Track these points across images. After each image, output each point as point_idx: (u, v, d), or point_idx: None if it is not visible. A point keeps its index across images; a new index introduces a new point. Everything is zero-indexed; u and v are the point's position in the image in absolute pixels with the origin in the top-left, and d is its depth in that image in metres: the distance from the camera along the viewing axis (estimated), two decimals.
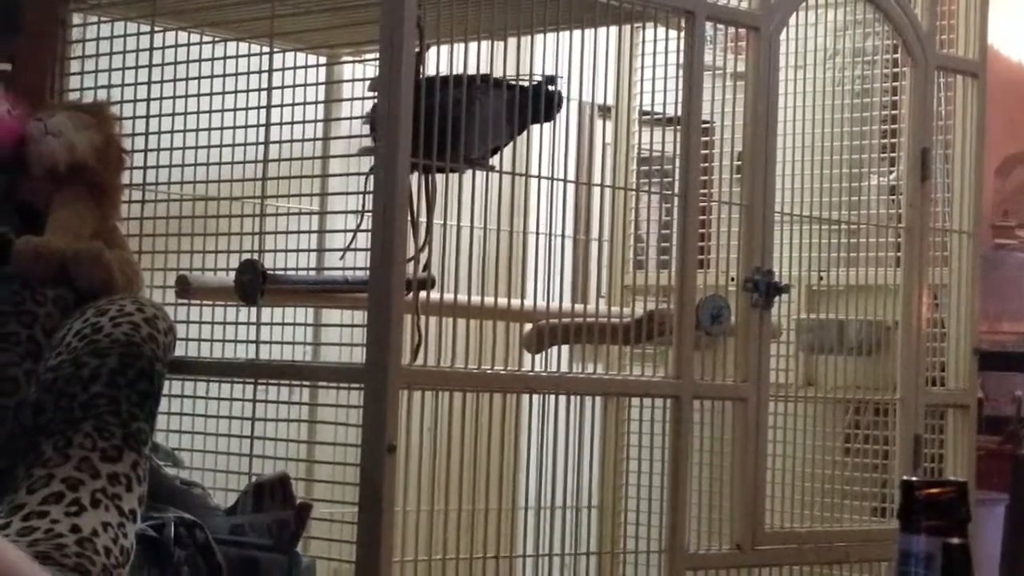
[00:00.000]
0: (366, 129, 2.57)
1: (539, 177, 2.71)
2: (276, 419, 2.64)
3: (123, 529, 1.99)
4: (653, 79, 3.22)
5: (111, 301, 2.32)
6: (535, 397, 2.68)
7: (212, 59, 2.78)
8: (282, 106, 2.65)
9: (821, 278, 3.35)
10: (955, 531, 1.16)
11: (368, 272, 2.48)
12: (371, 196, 2.46)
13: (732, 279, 2.98)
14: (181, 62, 2.80)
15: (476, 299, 2.68)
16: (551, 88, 2.67)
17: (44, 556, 1.81)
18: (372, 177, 2.46)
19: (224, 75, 2.75)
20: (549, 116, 2.67)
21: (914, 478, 1.19)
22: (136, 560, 2.06)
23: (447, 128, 2.50)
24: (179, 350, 2.44)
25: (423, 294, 2.51)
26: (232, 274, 2.62)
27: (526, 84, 2.66)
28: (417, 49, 2.47)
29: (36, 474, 2.03)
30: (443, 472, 2.56)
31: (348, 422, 2.53)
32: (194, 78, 2.77)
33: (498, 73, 2.67)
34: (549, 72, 2.73)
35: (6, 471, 2.11)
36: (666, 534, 2.79)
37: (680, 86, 2.86)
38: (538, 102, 2.65)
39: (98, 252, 2.44)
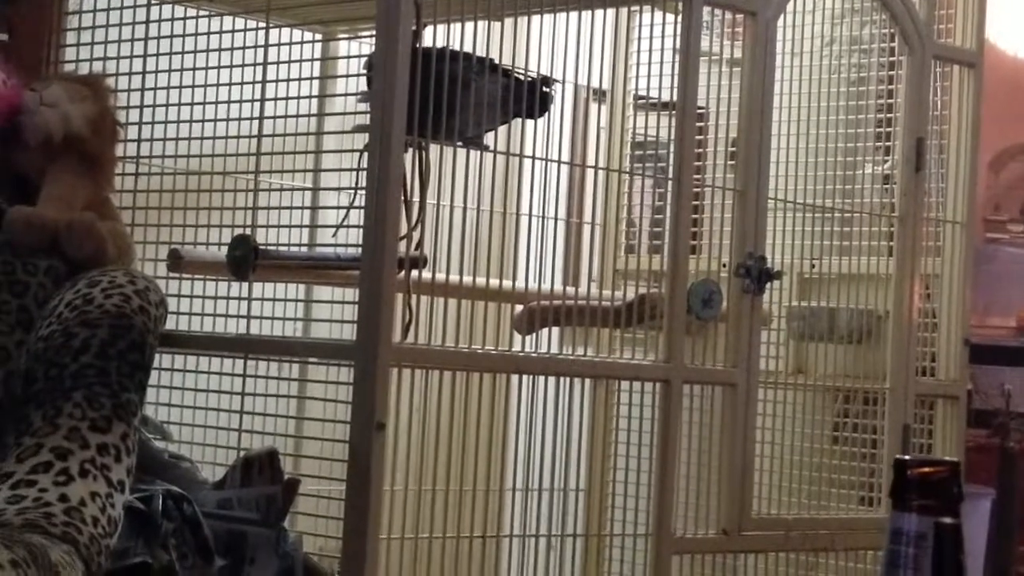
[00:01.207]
0: (361, 107, 2.56)
1: (532, 158, 2.70)
2: (266, 394, 2.64)
3: (111, 499, 1.99)
4: (649, 63, 3.21)
5: (103, 272, 2.31)
6: (524, 378, 2.68)
7: (208, 33, 2.77)
8: (277, 81, 2.65)
9: (813, 266, 3.35)
10: (947, 511, 1.16)
11: (360, 249, 2.47)
12: (364, 173, 2.46)
13: (724, 265, 2.98)
14: (177, 35, 2.79)
15: (467, 279, 2.68)
16: (545, 89, 2.66)
17: (32, 524, 1.81)
18: (366, 154, 2.46)
19: (220, 49, 2.74)
20: (539, 113, 2.67)
21: (907, 457, 1.19)
22: (123, 531, 2.06)
23: (442, 106, 2.50)
24: (170, 323, 2.44)
25: (415, 273, 2.50)
26: (224, 249, 2.61)
27: (521, 76, 2.65)
28: (414, 27, 2.46)
29: (25, 443, 2.02)
30: (431, 451, 2.55)
31: (337, 399, 2.53)
32: (189, 52, 2.77)
33: (494, 54, 2.66)
34: (545, 54, 2.73)
35: None
36: (653, 518, 2.79)
37: (676, 71, 2.86)
38: (532, 98, 2.65)
39: (90, 223, 2.43)
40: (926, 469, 1.17)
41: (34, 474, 1.96)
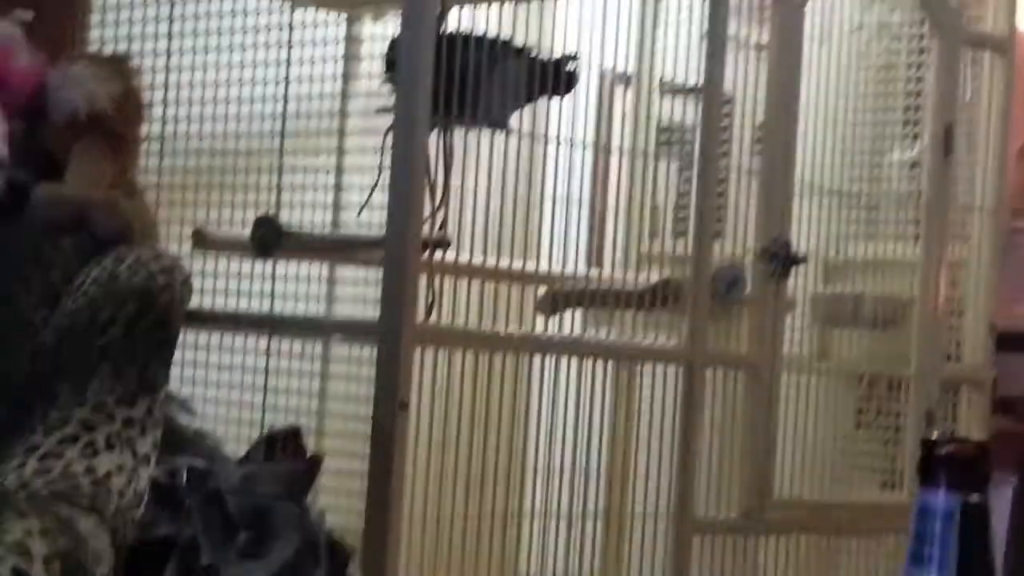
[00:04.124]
0: (385, 88, 2.57)
1: (557, 141, 2.70)
2: (289, 372, 2.65)
3: (137, 473, 2.00)
4: (676, 48, 3.20)
5: (129, 250, 2.33)
6: (546, 359, 2.69)
7: (232, 13, 2.78)
8: (302, 62, 2.65)
9: (838, 252, 3.34)
10: (975, 489, 1.16)
11: (384, 230, 2.48)
12: (388, 154, 2.46)
13: (749, 250, 2.98)
14: (201, 16, 2.80)
15: (490, 261, 2.68)
16: (570, 66, 2.66)
17: (59, 496, 1.82)
18: (390, 135, 2.46)
19: (244, 30, 2.75)
20: (564, 91, 2.66)
21: (935, 434, 1.19)
22: (148, 505, 2.07)
23: (467, 88, 2.50)
24: (194, 301, 2.45)
25: (438, 253, 2.50)
26: (248, 228, 2.62)
27: (545, 56, 2.65)
28: (439, 9, 2.46)
29: (52, 417, 2.04)
30: (452, 431, 2.56)
31: (360, 377, 2.54)
32: (214, 32, 2.77)
33: (519, 38, 2.66)
34: (571, 37, 2.73)
35: (23, 413, 2.12)
36: (674, 499, 2.79)
37: (703, 55, 2.85)
38: (557, 77, 2.65)
39: (115, 201, 2.44)
40: (955, 447, 1.17)
41: (61, 446, 1.98)
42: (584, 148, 2.75)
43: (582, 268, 2.92)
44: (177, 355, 2.28)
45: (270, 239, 2.57)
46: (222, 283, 2.74)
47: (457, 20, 2.55)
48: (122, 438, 2.02)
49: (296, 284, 2.74)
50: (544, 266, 2.75)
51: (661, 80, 3.35)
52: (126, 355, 2.13)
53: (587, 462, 2.82)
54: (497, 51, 2.58)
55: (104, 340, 2.14)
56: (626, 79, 3.44)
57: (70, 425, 2.02)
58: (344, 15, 3.12)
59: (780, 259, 2.91)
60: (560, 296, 2.83)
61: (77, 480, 1.89)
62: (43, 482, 1.89)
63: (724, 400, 2.92)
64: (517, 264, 2.73)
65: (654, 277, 2.91)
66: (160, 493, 2.33)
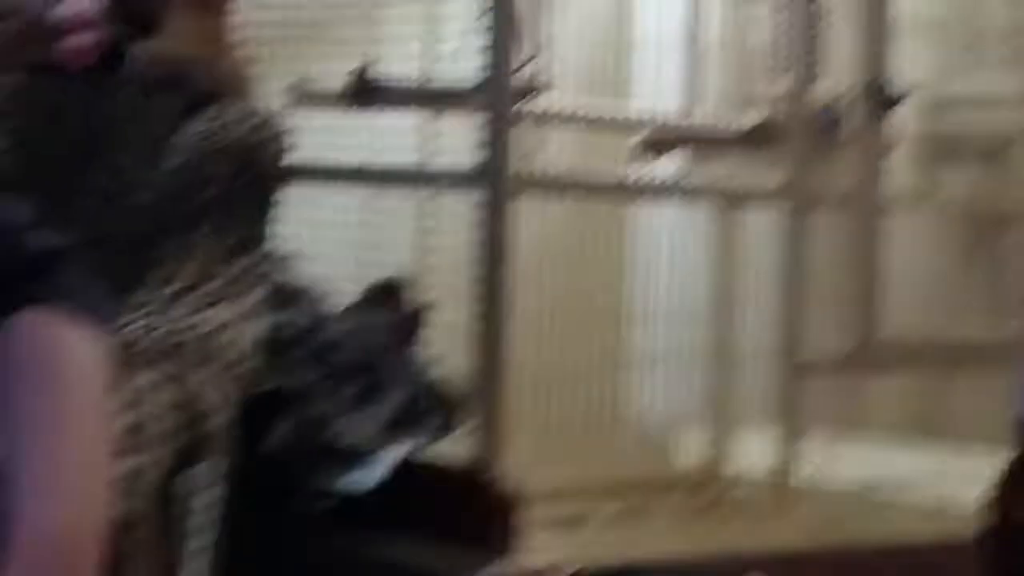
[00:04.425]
0: None
1: None
2: (389, 223, 2.66)
3: (243, 328, 2.02)
4: None
5: (226, 105, 2.32)
6: (641, 204, 2.68)
7: None
8: None
9: (941, 87, 3.28)
10: None
11: (480, 78, 2.47)
12: (483, 1, 2.44)
13: (850, 88, 2.93)
14: None
15: (587, 106, 2.66)
16: None
17: (167, 352, 1.84)
18: None
19: None
20: None
21: None
22: (255, 360, 2.09)
23: None
24: (292, 156, 2.45)
25: (534, 101, 2.49)
26: (345, 81, 2.62)
27: None
28: None
29: (157, 275, 2.05)
30: (553, 277, 2.56)
31: (460, 227, 2.55)
32: None
33: None
34: None
35: (127, 273, 2.15)
36: (781, 340, 2.79)
37: None
38: None
39: (212, 56, 2.44)
40: None
41: (167, 304, 1.99)
42: None
43: (680, 111, 2.90)
44: (277, 210, 2.29)
45: (367, 91, 2.57)
46: (320, 137, 2.75)
47: None
48: (227, 294, 2.04)
49: (394, 136, 2.74)
50: (642, 110, 2.73)
51: None
52: (227, 212, 2.13)
53: (693, 306, 2.83)
54: None
55: (205, 198, 2.15)
56: None
57: (175, 283, 2.03)
58: None
59: (881, 97, 2.86)
60: (659, 140, 2.81)
61: (185, 336, 1.91)
62: (151, 339, 1.91)
63: (828, 240, 2.90)
64: (614, 109, 2.72)
65: (754, 119, 2.88)
66: (267, 346, 2.36)
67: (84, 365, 1.50)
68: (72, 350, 1.50)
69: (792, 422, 2.80)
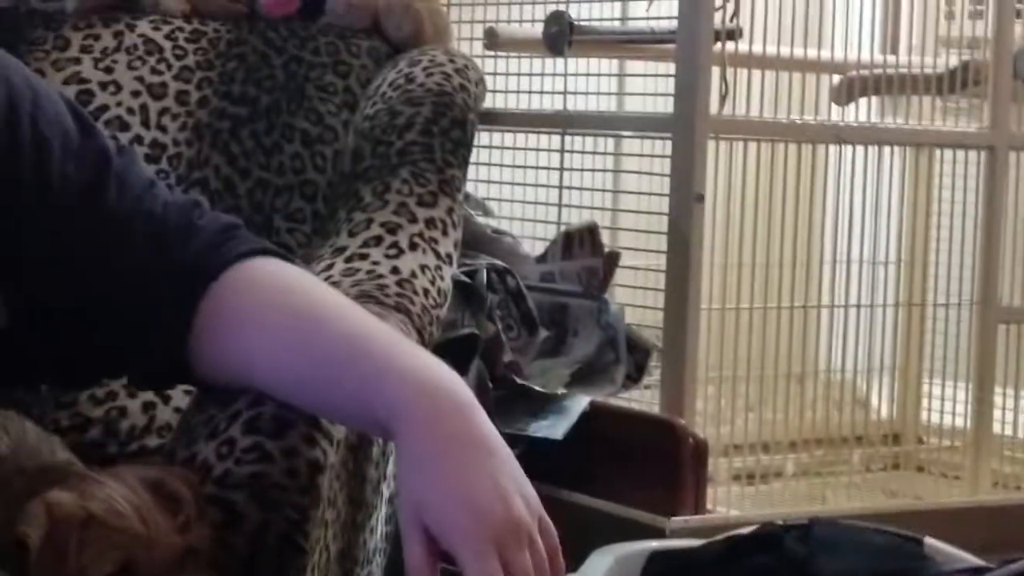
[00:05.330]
0: None
1: None
2: (583, 169, 2.67)
3: (440, 272, 2.04)
4: None
5: (422, 52, 2.35)
6: (841, 149, 2.65)
7: None
8: None
9: None
10: None
11: (676, 22, 2.45)
12: None
13: None
14: None
15: (782, 50, 2.63)
16: None
17: (367, 296, 1.87)
18: None
19: None
20: None
21: None
22: (451, 303, 2.11)
23: None
24: (488, 101, 2.47)
25: (730, 44, 2.47)
26: (540, 26, 2.63)
27: None
28: None
29: (356, 218, 2.08)
30: (745, 223, 2.54)
31: (653, 171, 2.54)
32: None
33: None
34: None
35: (328, 216, 2.18)
36: (978, 287, 2.74)
37: None
38: None
39: (408, 3, 2.46)
40: None
41: (366, 248, 2.02)
42: None
43: (876, 54, 2.85)
44: (473, 156, 2.30)
45: (561, 36, 2.57)
46: (515, 82, 2.76)
47: None
48: (424, 238, 2.06)
49: (586, 81, 2.74)
50: (837, 53, 2.69)
51: None
52: (425, 156, 2.16)
53: (884, 254, 2.79)
54: None
55: (403, 142, 2.17)
56: None
57: (374, 226, 2.06)
58: None
59: None
60: (855, 83, 2.76)
61: (383, 280, 1.94)
62: (350, 283, 1.94)
63: None
64: (810, 52, 2.68)
65: (952, 61, 2.83)
66: (462, 292, 2.38)
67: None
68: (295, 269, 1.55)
69: (987, 374, 2.75)
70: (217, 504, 1.40)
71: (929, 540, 1.90)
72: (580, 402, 2.43)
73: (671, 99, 2.44)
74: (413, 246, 2.04)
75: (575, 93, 2.65)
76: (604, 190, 2.76)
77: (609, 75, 2.94)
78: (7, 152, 1.48)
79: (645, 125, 2.60)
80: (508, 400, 2.42)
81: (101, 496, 1.24)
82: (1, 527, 1.24)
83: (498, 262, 2.51)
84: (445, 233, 2.10)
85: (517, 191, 2.79)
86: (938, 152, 2.86)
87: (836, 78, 2.81)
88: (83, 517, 1.22)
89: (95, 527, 1.22)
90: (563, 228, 2.64)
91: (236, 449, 1.43)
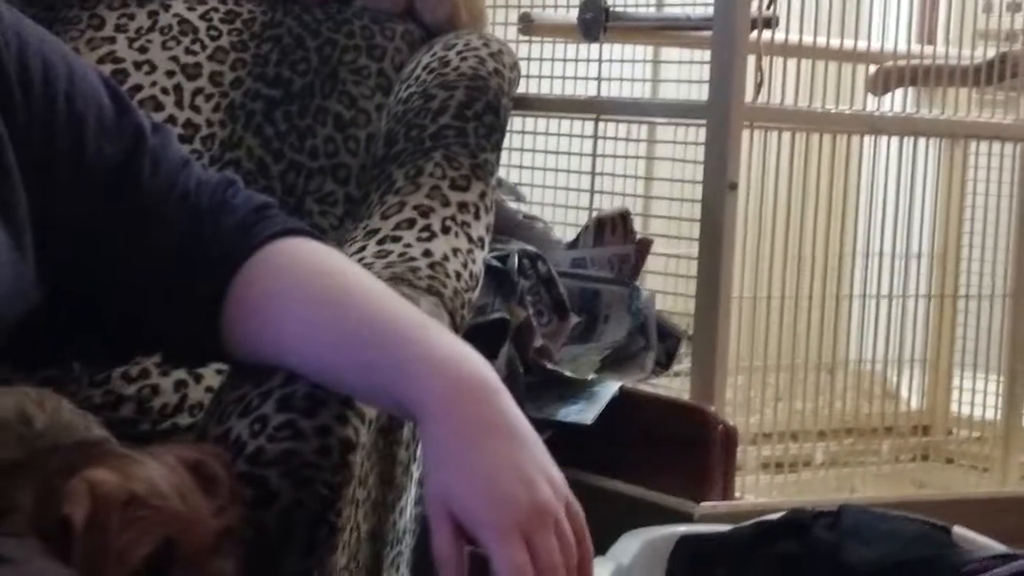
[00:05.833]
0: None
1: None
2: (616, 155, 2.67)
3: (472, 255, 2.04)
4: None
5: (457, 36, 2.35)
6: (876, 140, 2.64)
7: None
8: None
9: None
10: None
11: (712, 10, 2.45)
12: None
13: None
14: None
15: (818, 40, 2.63)
16: None
17: (399, 278, 1.87)
18: None
19: None
20: None
21: None
22: (482, 288, 2.11)
23: None
24: (521, 87, 2.47)
25: (766, 33, 2.46)
26: (575, 11, 2.62)
27: None
28: None
29: (388, 201, 2.08)
30: (778, 212, 2.54)
31: (686, 159, 2.54)
32: None
33: None
34: None
35: (360, 199, 2.18)
36: (1011, 280, 2.74)
37: None
38: None
39: None
40: None
41: (399, 230, 2.02)
42: None
43: (912, 45, 2.84)
44: (505, 141, 2.30)
45: (596, 22, 2.56)
46: (549, 68, 2.76)
47: None
48: (457, 221, 2.06)
49: (621, 67, 2.74)
50: (874, 44, 2.68)
51: None
52: (458, 140, 2.16)
53: (916, 245, 2.78)
54: None
55: (436, 126, 2.17)
56: None
57: (406, 209, 2.06)
58: None
59: None
60: (891, 74, 2.75)
61: (416, 263, 1.94)
62: (383, 265, 1.94)
63: None
64: (846, 42, 2.67)
65: (989, 53, 2.81)
66: (494, 276, 2.38)
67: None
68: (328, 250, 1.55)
69: (1018, 366, 2.74)
70: (249, 481, 1.40)
71: (958, 529, 1.90)
72: (610, 388, 2.43)
73: (705, 86, 2.44)
74: (445, 229, 2.04)
75: (609, 79, 2.65)
76: (637, 177, 2.76)
77: (644, 61, 2.93)
78: (43, 129, 1.48)
79: (679, 112, 2.59)
80: (538, 385, 2.42)
81: (142, 475, 1.24)
82: (40, 502, 1.24)
83: (530, 247, 2.51)
84: (477, 217, 2.10)
85: (549, 177, 2.79)
86: (973, 144, 2.85)
87: (872, 68, 2.81)
88: (126, 496, 1.23)
89: (137, 506, 1.22)
90: (595, 214, 2.64)
91: (269, 426, 1.44)
